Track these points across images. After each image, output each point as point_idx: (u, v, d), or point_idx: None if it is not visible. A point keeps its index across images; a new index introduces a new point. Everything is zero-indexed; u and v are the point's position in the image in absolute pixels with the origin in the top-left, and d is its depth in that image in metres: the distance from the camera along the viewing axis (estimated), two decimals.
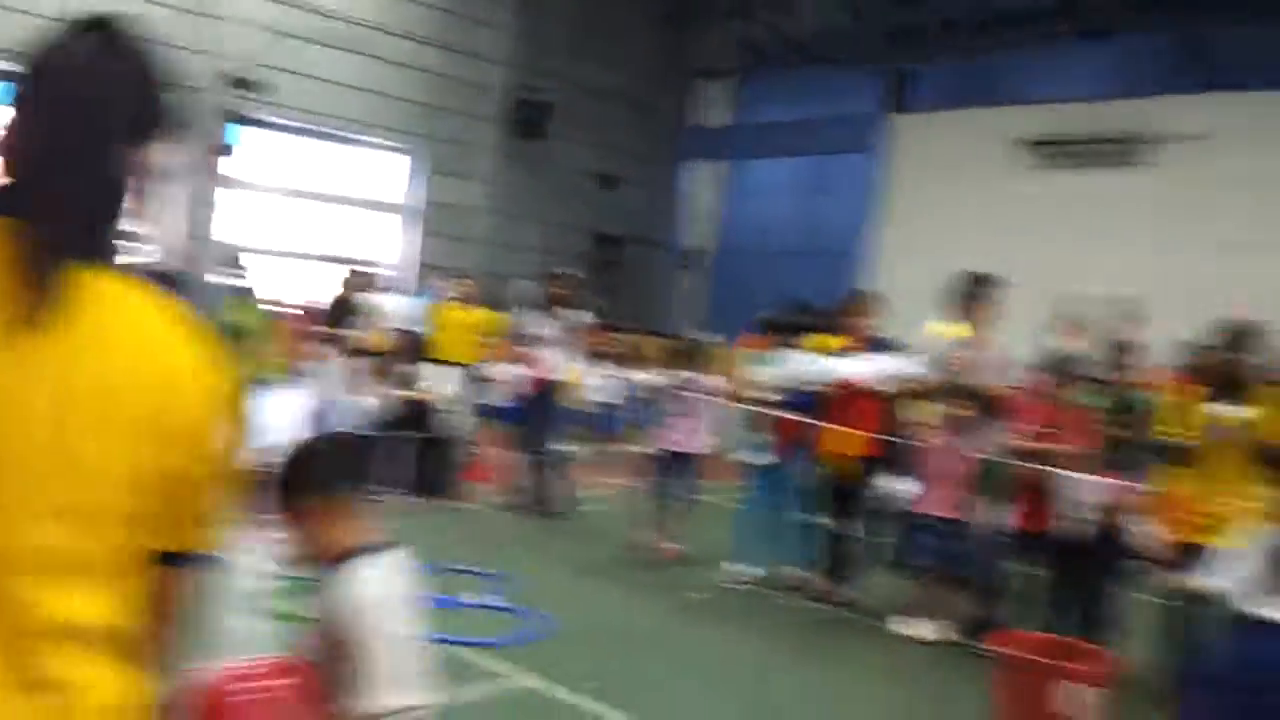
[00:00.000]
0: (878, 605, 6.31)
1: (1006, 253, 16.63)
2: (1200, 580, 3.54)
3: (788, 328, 6.82)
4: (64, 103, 1.26)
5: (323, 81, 16.71)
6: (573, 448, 11.67)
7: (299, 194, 17.50)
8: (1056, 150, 17.03)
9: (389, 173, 18.69)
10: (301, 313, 11.92)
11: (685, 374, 7.40)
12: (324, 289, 11.16)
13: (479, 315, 11.24)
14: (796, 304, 7.59)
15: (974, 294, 6.10)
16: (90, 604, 1.21)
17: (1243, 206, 15.25)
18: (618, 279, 22.58)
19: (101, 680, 1.21)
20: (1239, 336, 4.94)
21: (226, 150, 15.78)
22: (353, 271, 10.45)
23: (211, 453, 1.29)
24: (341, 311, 10.33)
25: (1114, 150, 16.42)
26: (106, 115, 1.27)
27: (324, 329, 10.33)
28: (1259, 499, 4.28)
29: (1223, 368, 4.86)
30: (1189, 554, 4.57)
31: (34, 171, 1.25)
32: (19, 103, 1.28)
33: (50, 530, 1.18)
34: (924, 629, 5.90)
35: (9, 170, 1.28)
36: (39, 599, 1.17)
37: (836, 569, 6.59)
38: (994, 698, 4.35)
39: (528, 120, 19.21)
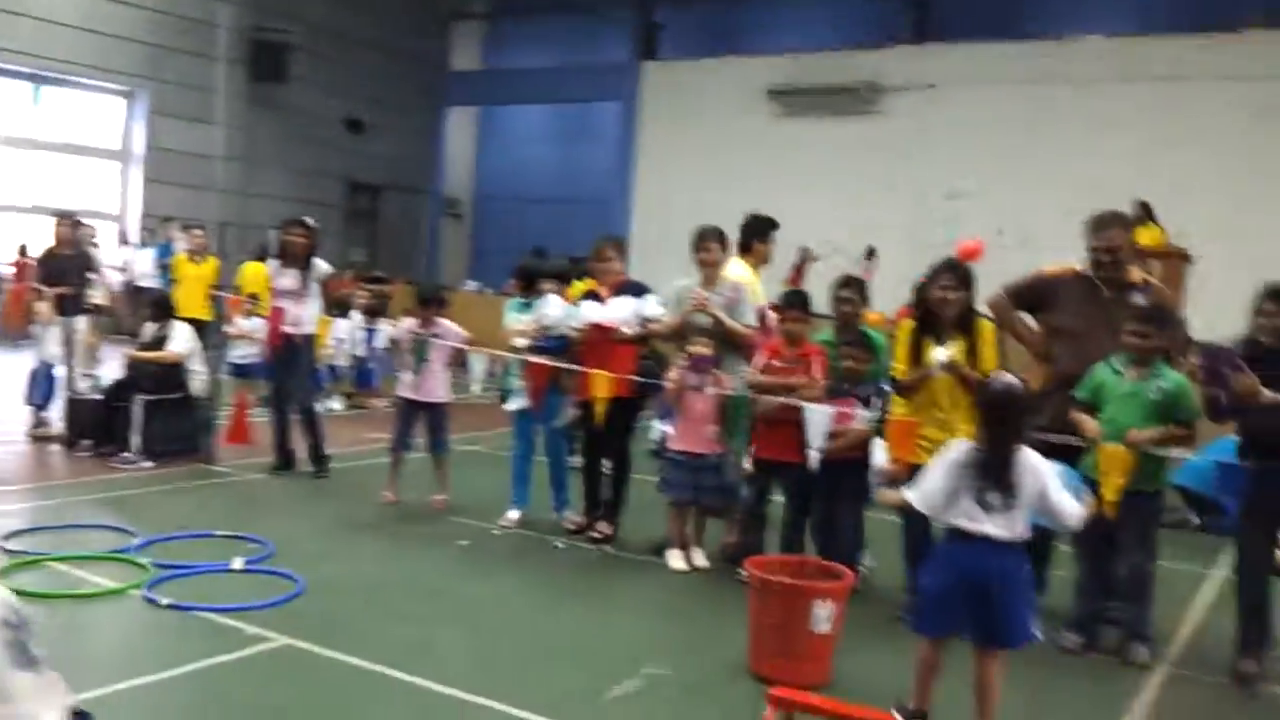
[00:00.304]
0: (643, 541, 6.47)
1: (755, 198, 17.22)
2: (899, 495, 3.83)
3: (538, 274, 6.81)
4: None
5: (35, 20, 15.26)
6: (333, 404, 11.36)
7: (11, 141, 16.00)
8: (798, 99, 17.71)
9: (105, 116, 17.31)
10: (16, 270, 10.97)
11: (425, 322, 7.28)
12: (40, 243, 10.25)
13: (210, 268, 10.68)
14: (538, 251, 7.61)
15: (708, 238, 6.28)
16: None
17: (965, 152, 16.37)
18: (375, 228, 21.93)
19: None
20: (944, 275, 5.27)
21: None
22: (62, 222, 9.57)
23: None
24: (54, 266, 9.53)
25: (850, 99, 17.24)
26: None
27: (40, 286, 9.53)
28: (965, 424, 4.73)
29: (929, 305, 5.23)
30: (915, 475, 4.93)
31: None
32: None
33: None
34: (686, 560, 6.10)
35: None
36: None
37: (601, 509, 6.70)
38: (751, 620, 4.56)
39: (266, 62, 18.19)
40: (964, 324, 5.15)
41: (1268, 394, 4.42)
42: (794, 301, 5.93)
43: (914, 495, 3.75)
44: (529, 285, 6.86)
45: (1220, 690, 4.74)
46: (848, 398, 5.58)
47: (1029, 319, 5.68)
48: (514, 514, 6.88)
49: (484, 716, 3.98)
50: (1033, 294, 5.61)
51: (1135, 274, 5.47)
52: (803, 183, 17.00)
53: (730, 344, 6.12)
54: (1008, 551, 3.58)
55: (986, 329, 5.20)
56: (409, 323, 7.35)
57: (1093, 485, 4.98)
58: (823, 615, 4.32)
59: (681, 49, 20.09)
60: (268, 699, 4.07)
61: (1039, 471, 3.60)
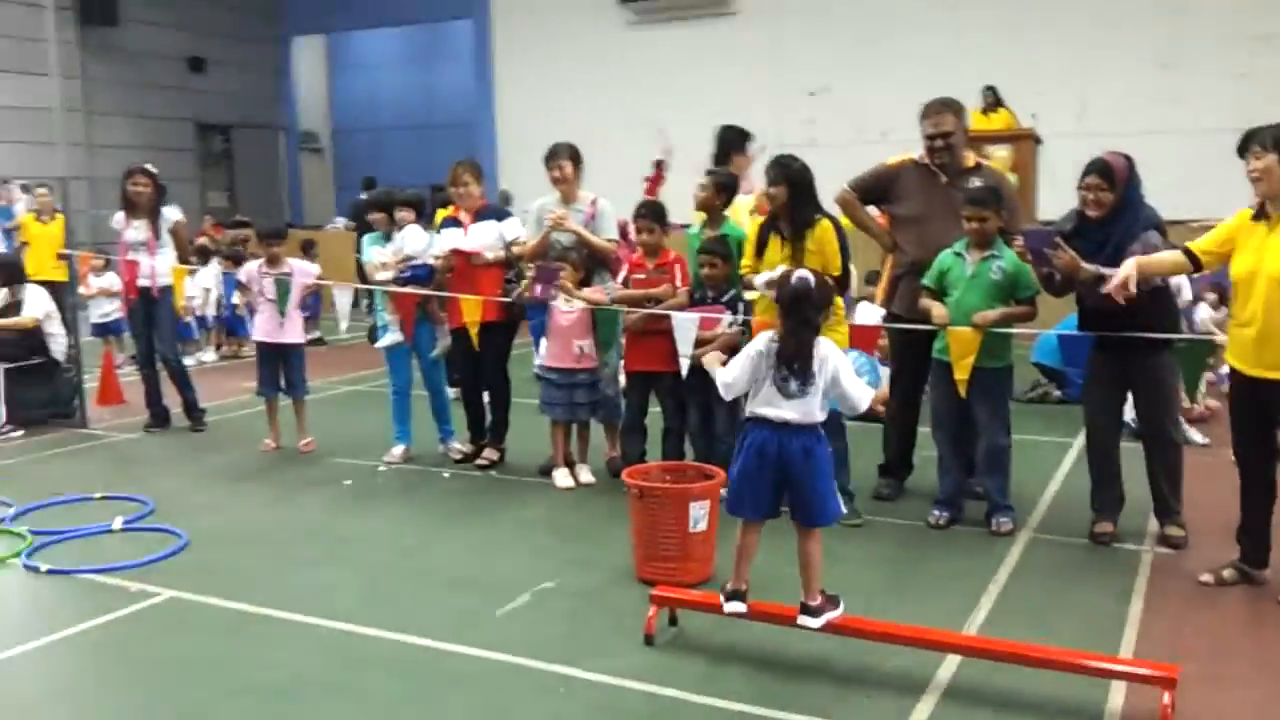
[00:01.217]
0: (530, 464, 6.58)
1: (616, 109, 17.25)
2: (715, 365, 4.03)
3: (393, 204, 6.75)
4: None
5: None
6: (205, 355, 11.11)
7: None
8: (648, 5, 17.58)
9: None
10: None
11: (271, 261, 7.22)
12: None
13: (59, 227, 10.27)
14: (368, 183, 7.49)
15: (559, 155, 6.30)
16: None
17: (821, 47, 16.51)
18: (232, 170, 21.20)
19: None
20: (767, 171, 5.42)
21: None
22: None
23: None
24: None
25: (703, 2, 17.19)
26: None
27: None
28: None
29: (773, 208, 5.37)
30: None
31: None
32: None
33: None
34: (572, 478, 6.23)
35: None
36: None
37: (485, 435, 6.78)
38: (634, 527, 4.71)
39: (95, 4, 17.26)
40: (804, 223, 5.28)
41: (1087, 267, 4.68)
42: (646, 212, 5.99)
43: (721, 382, 3.95)
44: (384, 216, 6.78)
45: (1078, 550, 5.10)
46: (713, 304, 5.70)
47: (875, 211, 5.87)
48: (398, 450, 6.91)
49: (377, 647, 4.07)
50: (876, 186, 5.79)
51: (970, 158, 5.68)
52: (662, 91, 16.98)
53: (596, 260, 6.18)
54: (807, 434, 3.77)
55: (825, 228, 5.29)
56: (254, 264, 7.25)
57: (945, 366, 5.25)
58: (699, 515, 4.50)
59: None
60: (161, 651, 4.08)
61: (833, 360, 3.82)
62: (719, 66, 16.96)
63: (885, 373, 5.67)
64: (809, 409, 3.77)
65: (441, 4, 20.30)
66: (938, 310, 5.19)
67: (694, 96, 16.86)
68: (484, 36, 19.57)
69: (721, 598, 3.93)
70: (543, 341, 6.59)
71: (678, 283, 5.82)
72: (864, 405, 3.91)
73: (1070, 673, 3.53)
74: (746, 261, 5.47)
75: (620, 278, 6.03)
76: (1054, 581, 4.68)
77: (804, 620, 3.82)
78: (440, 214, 7.29)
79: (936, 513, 5.44)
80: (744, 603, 3.91)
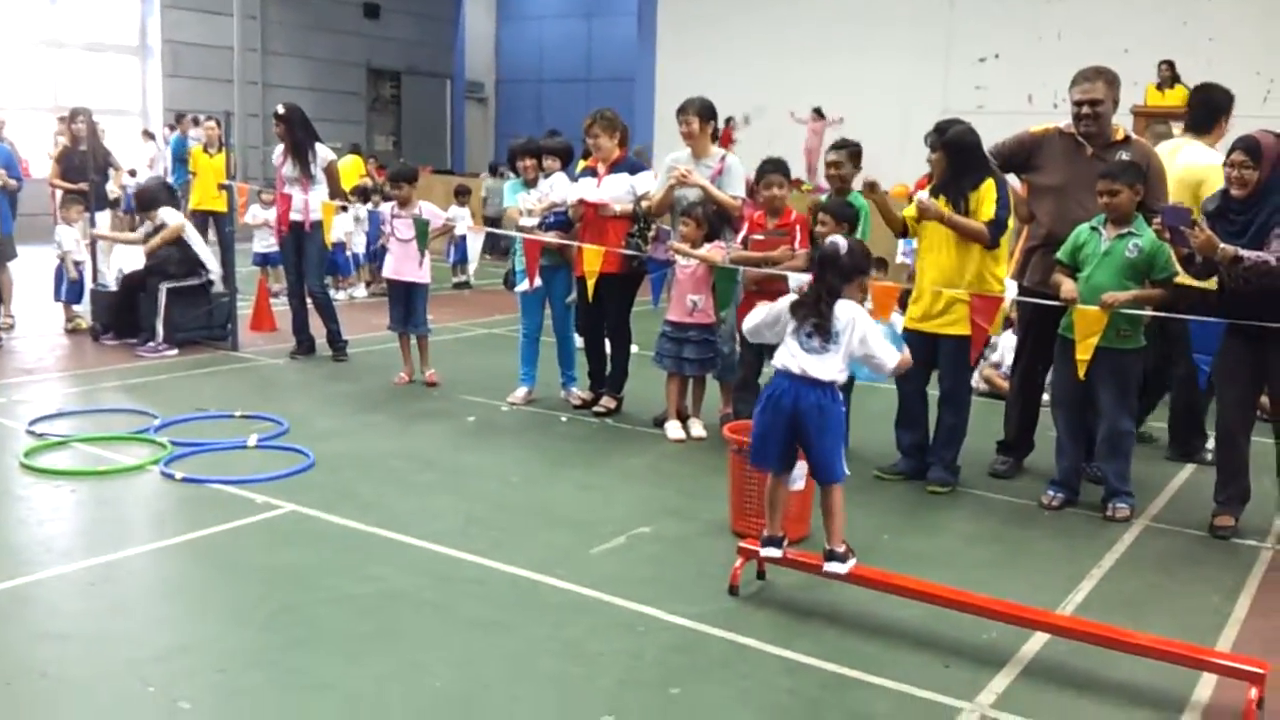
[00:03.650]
0: (646, 414, 6.67)
1: (780, 68, 17.07)
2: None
3: (541, 152, 6.87)
4: None
5: None
6: (356, 291, 11.60)
7: (35, 41, 16.07)
8: None
9: (119, 11, 17.28)
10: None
11: (402, 203, 7.46)
12: (59, 140, 10.45)
13: (224, 159, 10.82)
14: (550, 132, 7.64)
15: (686, 110, 6.37)
16: None
17: (993, 14, 15.96)
18: (399, 115, 21.87)
19: None
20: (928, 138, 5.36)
21: None
22: (76, 119, 9.74)
23: None
24: (71, 164, 9.73)
25: None
26: None
27: (62, 183, 9.75)
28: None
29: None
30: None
31: None
32: None
33: None
34: (684, 430, 6.30)
35: None
36: None
37: (601, 382, 6.90)
38: (733, 481, 4.76)
39: None
40: (967, 187, 5.22)
41: (1225, 248, 4.44)
42: (773, 169, 5.94)
43: (745, 326, 4.18)
44: (529, 163, 6.91)
45: (1194, 541, 4.89)
46: None
47: (1015, 180, 5.69)
48: (521, 391, 7.09)
49: (471, 571, 4.25)
50: (1018, 152, 5.60)
51: (1119, 130, 5.44)
52: (830, 51, 16.72)
53: (721, 216, 6.19)
54: (822, 390, 3.89)
55: (988, 187, 5.21)
56: (389, 206, 7.52)
57: (1069, 344, 5.08)
58: (796, 474, 4.50)
59: None
60: (274, 559, 4.36)
61: (858, 323, 3.91)
62: (887, 31, 16.58)
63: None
64: (827, 366, 3.89)
65: None
66: (1067, 286, 5.01)
67: (859, 61, 16.58)
68: None
69: (760, 547, 4.06)
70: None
71: (797, 244, 5.77)
72: (890, 366, 4.03)
73: (1156, 660, 3.42)
74: (910, 213, 5.44)
75: (740, 236, 6.01)
76: (1161, 572, 4.51)
77: (830, 567, 3.93)
78: (580, 164, 7.39)
79: (1050, 493, 5.30)
80: (779, 549, 4.04)
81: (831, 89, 16.39)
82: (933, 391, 5.54)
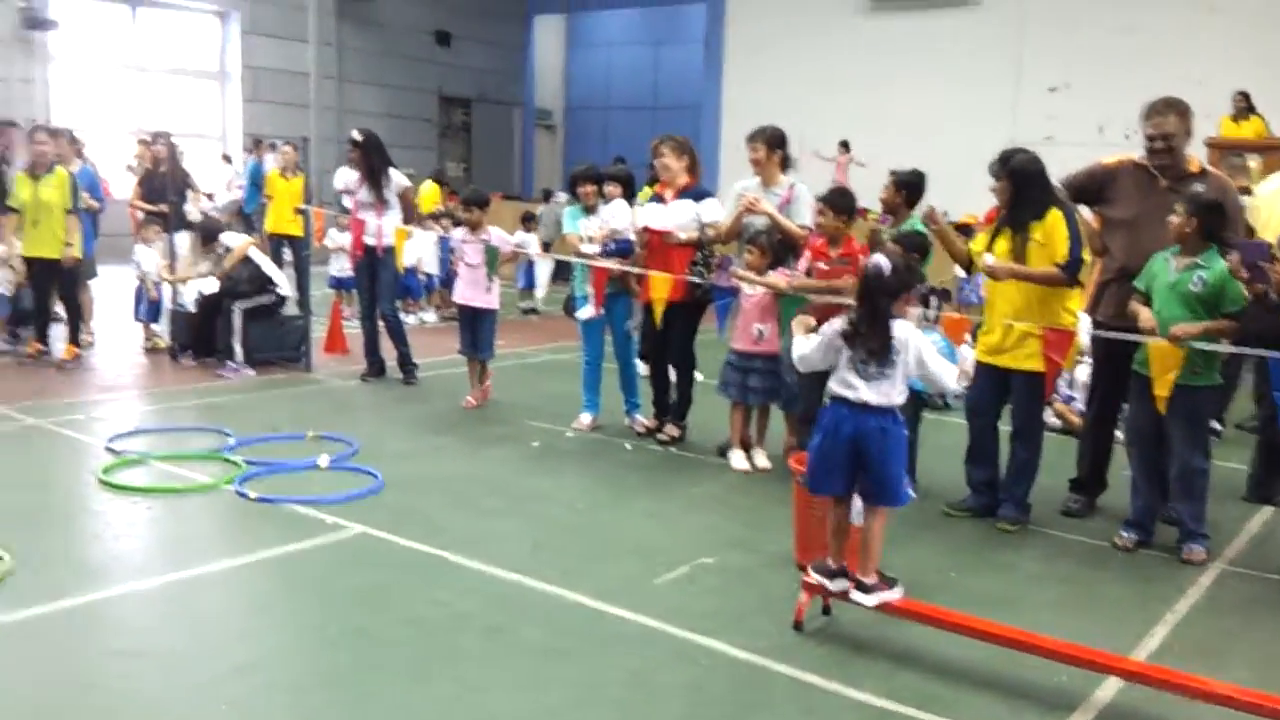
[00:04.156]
0: (710, 443, 6.66)
1: (845, 96, 17.04)
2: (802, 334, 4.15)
3: (602, 178, 6.92)
4: None
5: None
6: (427, 315, 11.75)
7: (118, 65, 16.59)
8: None
9: (202, 37, 17.77)
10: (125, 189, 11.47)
11: (473, 227, 7.56)
12: (140, 163, 10.76)
13: (300, 183, 11.03)
14: (616, 159, 7.70)
15: (755, 138, 6.37)
16: None
17: (1065, 44, 15.81)
18: (470, 142, 22.18)
19: None
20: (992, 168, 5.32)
21: (49, 24, 14.84)
22: (157, 142, 10.03)
23: None
24: (152, 185, 10.01)
25: None
26: None
27: (142, 204, 10.02)
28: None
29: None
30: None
31: None
32: None
33: None
34: (748, 460, 6.28)
35: None
36: None
37: (667, 409, 6.91)
38: (796, 513, 4.73)
39: None
40: (1030, 216, 5.15)
41: None
42: (828, 198, 5.91)
43: (796, 354, 4.08)
44: (597, 190, 6.96)
45: (1273, 585, 4.76)
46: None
47: (1087, 212, 5.61)
48: (586, 418, 7.13)
49: (536, 598, 4.27)
50: (1089, 185, 5.53)
51: (1194, 162, 5.35)
52: (896, 79, 16.68)
53: (788, 245, 6.18)
54: (884, 415, 3.85)
55: (1054, 218, 5.12)
56: (459, 231, 7.63)
57: (1144, 381, 4.99)
58: (857, 508, 4.46)
59: None
60: (343, 579, 4.43)
61: (913, 341, 3.86)
62: (956, 58, 16.49)
63: (968, 353, 5.47)
64: (887, 391, 3.85)
65: None
66: (1145, 315, 4.91)
67: (928, 91, 16.50)
68: (717, 21, 19.69)
69: (815, 575, 4.00)
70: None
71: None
72: (950, 382, 3.98)
73: (1236, 710, 3.32)
74: (976, 248, 5.39)
75: (803, 265, 6.00)
76: (1239, 617, 4.39)
77: (857, 597, 3.89)
78: (646, 191, 7.44)
79: (1124, 534, 5.19)
80: (846, 579, 3.97)
81: (900, 118, 16.34)
82: (1004, 427, 5.47)
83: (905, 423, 4.05)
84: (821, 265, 5.88)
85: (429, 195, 13.32)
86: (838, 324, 3.95)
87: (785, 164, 6.50)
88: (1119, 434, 5.69)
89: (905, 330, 3.87)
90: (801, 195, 6.32)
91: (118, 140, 15.98)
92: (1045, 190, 5.22)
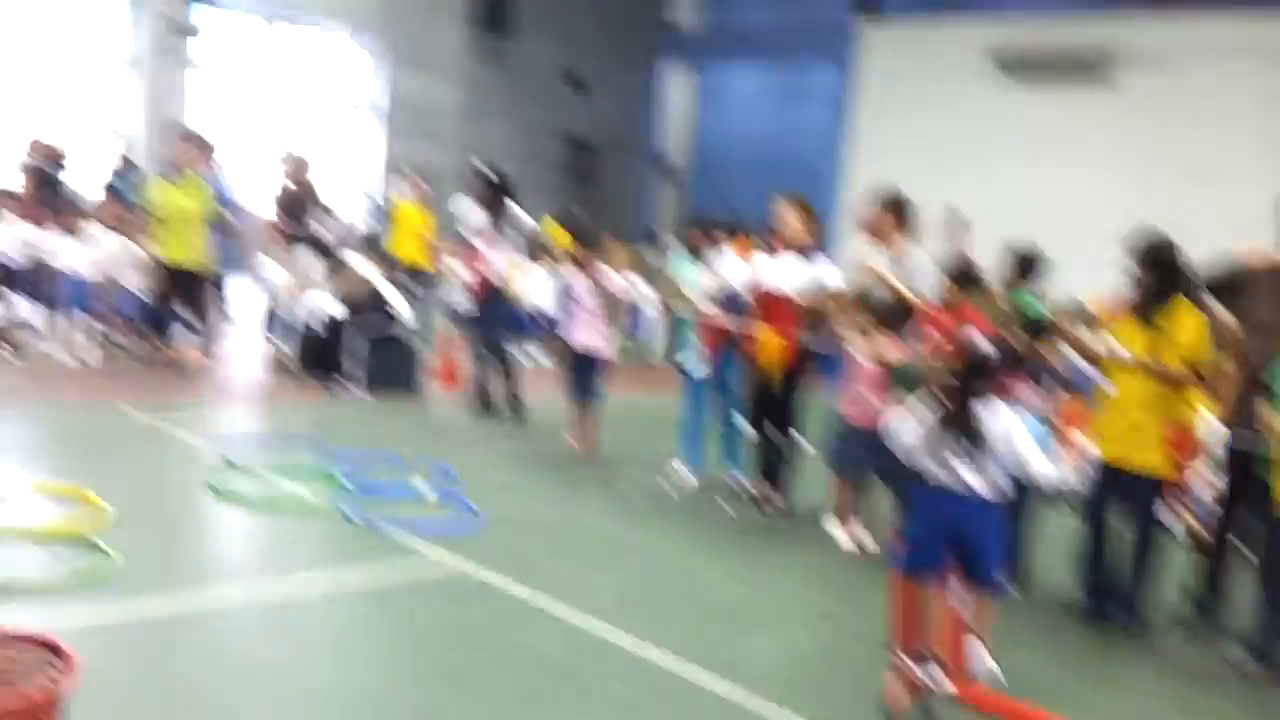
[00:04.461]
0: (812, 511, 6.56)
1: (971, 167, 16.83)
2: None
3: (714, 231, 6.91)
4: None
5: None
6: (535, 351, 11.89)
7: (261, 83, 17.29)
8: (1025, 65, 17.00)
9: (347, 64, 18.42)
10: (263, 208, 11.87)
11: (585, 267, 7.60)
12: (277, 183, 11.15)
13: (429, 216, 11.30)
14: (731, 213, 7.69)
15: (880, 204, 6.30)
16: None
17: (1208, 130, 15.37)
18: (593, 186, 22.50)
19: None
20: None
21: (192, 31, 15.50)
22: (294, 164, 10.41)
23: None
24: (287, 206, 10.36)
25: (1083, 67, 16.43)
26: None
27: (277, 224, 10.38)
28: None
29: None
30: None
31: None
32: None
33: None
34: (849, 533, 6.15)
35: None
36: None
37: (769, 474, 6.83)
38: (893, 593, 4.61)
39: (492, 14, 18.94)
40: (1157, 305, 4.99)
41: None
42: (951, 269, 5.80)
43: (891, 432, 4.04)
44: (710, 239, 6.97)
45: None
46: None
47: (1223, 310, 5.40)
48: (686, 473, 7.09)
49: (620, 649, 4.25)
50: (1228, 283, 5.33)
51: None
52: (1024, 154, 16.41)
53: (905, 313, 6.08)
54: (980, 501, 3.80)
55: (1186, 312, 4.96)
56: (573, 271, 7.68)
57: (1267, 489, 4.75)
58: (955, 591, 4.33)
59: (904, 7, 19.54)
60: (431, 611, 4.48)
61: (1010, 428, 3.80)
62: (1089, 137, 16.15)
63: (1082, 443, 5.27)
64: (984, 475, 3.79)
65: (811, 47, 20.63)
66: (1273, 421, 4.70)
67: (1060, 169, 16.20)
68: (848, 84, 19.69)
69: (906, 660, 3.90)
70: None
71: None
72: (1042, 472, 3.89)
73: None
74: (1106, 336, 5.24)
75: (921, 336, 5.89)
76: None
77: (946, 686, 3.83)
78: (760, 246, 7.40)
79: (1241, 655, 4.90)
80: (937, 666, 3.88)
81: (1025, 193, 16.04)
82: (1121, 526, 5.26)
83: (1011, 512, 3.98)
84: (938, 336, 5.77)
85: (549, 232, 13.51)
86: (931, 407, 3.91)
87: (906, 230, 6.43)
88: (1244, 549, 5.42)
89: (1003, 415, 3.82)
90: (922, 264, 6.23)
91: (257, 157, 16.65)
92: (1179, 279, 5.06)
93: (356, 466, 6.35)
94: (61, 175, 11.25)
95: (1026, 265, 5.81)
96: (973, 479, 3.79)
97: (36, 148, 12.50)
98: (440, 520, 5.58)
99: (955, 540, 3.82)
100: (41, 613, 3.80)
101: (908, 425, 3.97)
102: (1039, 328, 5.39)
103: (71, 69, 15.31)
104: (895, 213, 6.28)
